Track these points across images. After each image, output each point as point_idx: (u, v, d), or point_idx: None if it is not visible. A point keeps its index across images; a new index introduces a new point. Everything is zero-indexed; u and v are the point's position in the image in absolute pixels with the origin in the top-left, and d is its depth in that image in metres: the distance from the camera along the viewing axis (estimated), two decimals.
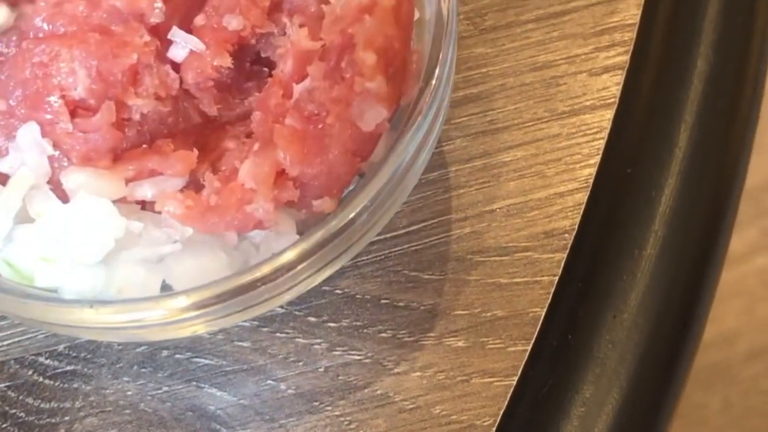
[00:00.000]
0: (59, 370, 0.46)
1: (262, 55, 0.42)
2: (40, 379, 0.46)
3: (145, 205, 0.40)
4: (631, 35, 0.49)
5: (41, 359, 0.46)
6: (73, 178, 0.39)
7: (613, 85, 0.48)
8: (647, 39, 0.49)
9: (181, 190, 0.39)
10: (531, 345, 0.45)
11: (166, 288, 0.39)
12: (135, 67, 0.39)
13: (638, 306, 0.46)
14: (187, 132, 0.41)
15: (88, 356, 0.46)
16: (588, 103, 0.48)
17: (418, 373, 0.45)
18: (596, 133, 0.48)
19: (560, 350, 0.45)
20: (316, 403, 0.44)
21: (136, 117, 0.40)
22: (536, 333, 0.45)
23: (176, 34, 0.40)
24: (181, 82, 0.41)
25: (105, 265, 0.39)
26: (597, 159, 0.47)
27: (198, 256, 0.39)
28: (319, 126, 0.38)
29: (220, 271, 0.39)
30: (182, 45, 0.40)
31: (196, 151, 0.40)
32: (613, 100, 0.48)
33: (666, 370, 0.46)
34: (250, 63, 0.42)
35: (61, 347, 0.46)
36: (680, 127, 0.48)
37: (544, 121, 0.48)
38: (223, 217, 0.39)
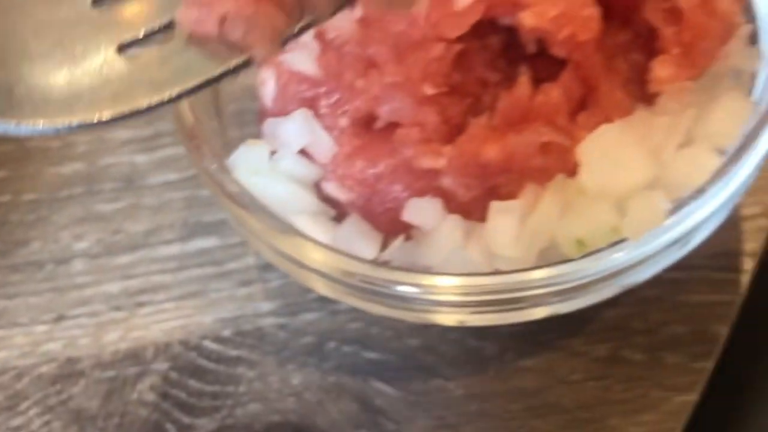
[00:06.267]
0: (224, 355, 0.46)
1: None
2: (204, 363, 0.45)
3: None
4: None
5: (206, 343, 0.46)
6: None
7: None
8: None
9: None
10: (714, 363, 0.43)
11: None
12: None
13: None
14: None
15: (254, 343, 0.46)
16: None
17: (593, 383, 0.43)
18: None
19: (741, 374, 0.44)
20: (486, 405, 0.43)
21: None
22: (720, 353, 0.43)
23: None
24: None
25: None
26: None
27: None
28: None
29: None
30: None
31: None
32: None
33: None
34: None
35: (226, 332, 0.46)
36: None
37: None
38: None
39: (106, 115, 0.27)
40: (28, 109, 0.27)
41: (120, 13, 0.29)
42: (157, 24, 0.29)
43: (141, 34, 0.29)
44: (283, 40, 0.28)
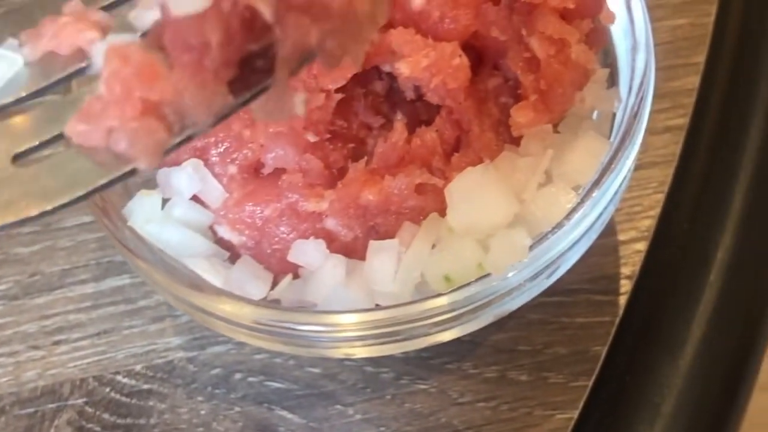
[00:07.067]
0: (136, 389, 0.48)
1: None
2: (117, 397, 0.48)
3: None
4: (690, 100, 0.52)
5: (119, 378, 0.48)
6: None
7: (672, 143, 0.51)
8: (705, 103, 0.52)
9: None
10: (592, 381, 0.46)
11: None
12: None
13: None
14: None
15: (164, 376, 0.48)
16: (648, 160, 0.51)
17: (482, 404, 0.46)
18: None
19: (618, 390, 0.47)
20: (383, 429, 0.46)
21: None
22: (597, 371, 0.46)
23: None
24: None
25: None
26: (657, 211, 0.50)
27: None
28: None
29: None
30: None
31: None
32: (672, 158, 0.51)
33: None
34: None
35: (138, 367, 0.48)
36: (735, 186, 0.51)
37: None
38: None
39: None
40: None
41: (13, 125, 0.31)
42: (47, 135, 0.30)
43: (34, 144, 0.30)
44: (165, 151, 0.30)
